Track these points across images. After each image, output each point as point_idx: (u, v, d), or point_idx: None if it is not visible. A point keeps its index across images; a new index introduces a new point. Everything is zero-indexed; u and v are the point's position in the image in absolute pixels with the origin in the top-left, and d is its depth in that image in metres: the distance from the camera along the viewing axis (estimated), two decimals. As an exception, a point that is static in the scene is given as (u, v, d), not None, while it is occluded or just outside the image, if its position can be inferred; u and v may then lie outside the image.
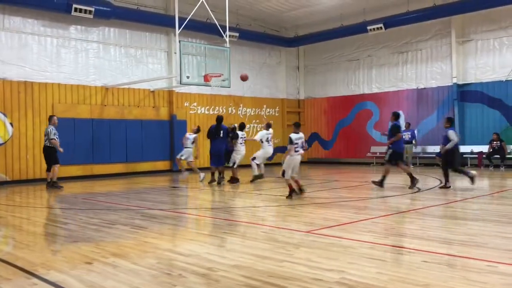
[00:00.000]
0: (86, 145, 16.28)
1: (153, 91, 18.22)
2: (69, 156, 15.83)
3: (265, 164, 14.98)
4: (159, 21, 18.02)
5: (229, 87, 16.12)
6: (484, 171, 16.40)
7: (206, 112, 19.85)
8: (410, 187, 11.06)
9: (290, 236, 6.15)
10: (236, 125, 14.26)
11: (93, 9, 15.49)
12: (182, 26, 14.48)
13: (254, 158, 13.68)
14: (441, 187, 11.08)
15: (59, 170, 13.31)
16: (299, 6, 20.19)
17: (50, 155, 12.95)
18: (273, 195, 10.54)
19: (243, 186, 12.83)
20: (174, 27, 14.44)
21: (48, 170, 13.14)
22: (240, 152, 13.45)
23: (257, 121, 21.64)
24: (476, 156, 17.61)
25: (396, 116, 11.78)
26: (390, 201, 9.56)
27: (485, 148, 17.33)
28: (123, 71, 17.47)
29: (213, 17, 15.56)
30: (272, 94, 22.84)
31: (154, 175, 17.06)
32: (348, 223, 7.00)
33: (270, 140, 13.77)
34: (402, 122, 19.85)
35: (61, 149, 12.99)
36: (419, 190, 10.94)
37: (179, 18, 14.42)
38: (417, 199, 9.80)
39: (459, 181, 12.67)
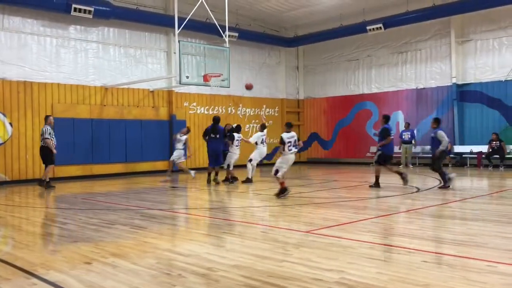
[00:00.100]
0: (86, 145, 16.27)
1: (152, 91, 18.22)
2: (69, 156, 15.86)
3: (264, 164, 14.99)
4: (159, 21, 18.02)
5: (229, 87, 16.13)
6: (483, 171, 16.42)
7: (206, 112, 19.85)
8: (404, 184, 11.22)
9: (289, 236, 6.14)
10: (233, 126, 14.25)
11: (92, 9, 15.49)
12: (182, 26, 14.49)
13: (250, 160, 13.73)
14: (439, 188, 11.09)
15: (53, 171, 13.27)
16: (298, 6, 20.20)
17: (46, 155, 12.93)
18: (272, 195, 10.52)
19: (242, 187, 12.83)
20: (174, 27, 14.45)
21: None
22: (234, 155, 13.49)
23: (257, 121, 21.63)
24: (476, 156, 17.63)
25: (386, 119, 11.86)
26: (390, 201, 9.56)
27: (484, 148, 17.34)
28: (123, 71, 17.46)
29: (213, 17, 15.56)
30: (271, 94, 22.84)
31: (154, 175, 17.05)
32: (347, 223, 7.00)
33: (265, 141, 13.82)
34: (402, 121, 19.94)
35: (54, 150, 12.96)
36: (418, 190, 10.94)
37: (179, 18, 14.42)
38: (416, 199, 9.80)
39: (459, 181, 12.68)
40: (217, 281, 4.23)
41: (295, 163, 23.50)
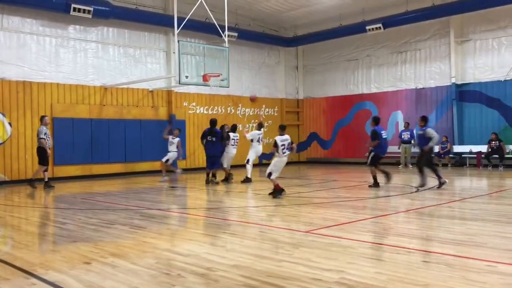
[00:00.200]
0: (85, 145, 16.26)
1: (152, 91, 18.21)
2: (68, 156, 15.86)
3: (264, 165, 15.00)
4: (158, 21, 18.02)
5: (228, 87, 16.13)
6: (482, 171, 16.43)
7: (205, 112, 19.84)
8: (387, 182, 11.53)
9: (289, 236, 6.14)
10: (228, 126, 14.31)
11: (91, 9, 15.48)
12: (181, 26, 14.49)
13: (248, 161, 13.83)
14: (438, 187, 11.10)
15: (52, 171, 13.26)
16: (298, 6, 20.19)
17: (41, 156, 12.91)
18: (271, 195, 10.51)
19: (241, 186, 12.83)
20: (173, 26, 14.45)
21: (45, 170, 13.11)
22: (228, 154, 13.57)
23: (256, 121, 21.62)
24: (475, 156, 17.64)
25: (376, 121, 11.92)
26: (389, 201, 9.57)
27: (483, 148, 17.35)
28: (122, 71, 17.45)
29: (212, 17, 15.55)
30: (271, 94, 22.84)
31: (153, 175, 17.03)
32: (347, 223, 7.00)
33: (261, 140, 13.91)
34: (401, 121, 19.94)
35: (48, 151, 12.95)
36: (417, 190, 10.94)
37: (178, 18, 14.42)
38: (416, 199, 9.80)
39: (458, 181, 12.69)
40: (217, 281, 4.23)
41: (294, 163, 23.70)
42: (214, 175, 13.57)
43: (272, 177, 10.10)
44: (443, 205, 8.67)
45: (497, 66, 17.71)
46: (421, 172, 11.03)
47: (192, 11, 15.10)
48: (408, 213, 8.09)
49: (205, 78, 14.83)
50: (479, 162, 17.42)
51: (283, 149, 10.08)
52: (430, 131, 10.97)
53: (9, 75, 14.85)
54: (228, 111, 20.78)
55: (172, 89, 18.52)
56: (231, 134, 13.68)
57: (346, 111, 22.17)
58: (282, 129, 10.40)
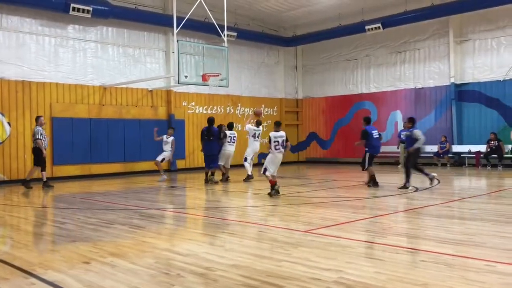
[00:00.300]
0: (84, 145, 16.25)
1: (151, 91, 18.20)
2: (67, 156, 15.85)
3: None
4: (157, 21, 18.01)
5: (227, 87, 16.14)
6: (481, 170, 16.44)
7: (204, 111, 19.83)
8: (371, 186, 11.65)
9: (288, 235, 6.15)
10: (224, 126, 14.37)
11: (91, 9, 15.47)
12: (180, 26, 14.49)
13: (246, 159, 13.92)
14: (431, 183, 11.16)
15: (51, 170, 13.25)
16: (297, 6, 20.19)
17: (37, 156, 12.90)
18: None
19: (240, 186, 12.84)
20: (172, 26, 14.45)
21: (43, 169, 13.11)
22: (226, 152, 13.62)
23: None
24: (474, 155, 17.65)
25: (367, 121, 12.10)
26: (388, 201, 9.58)
27: (482, 148, 17.36)
28: (121, 71, 17.44)
29: (211, 17, 15.55)
30: (270, 93, 22.84)
31: (152, 174, 17.02)
32: (346, 223, 7.01)
33: (258, 137, 13.93)
34: (400, 121, 19.94)
35: (44, 151, 12.95)
36: (416, 189, 10.95)
37: (177, 18, 14.42)
38: (415, 198, 9.81)
39: (457, 181, 12.71)
40: (216, 280, 4.23)
41: (293, 162, 23.67)
42: (213, 174, 13.59)
43: (267, 173, 10.18)
44: (442, 205, 8.68)
45: (496, 66, 17.73)
46: (407, 173, 11.03)
47: (192, 10, 15.10)
48: (407, 212, 8.10)
49: (204, 77, 14.84)
50: (478, 162, 17.43)
51: (276, 145, 10.11)
52: (417, 133, 11.06)
53: (8, 75, 14.84)
54: (227, 111, 20.77)
55: (172, 88, 18.51)
56: (228, 132, 13.78)
57: (345, 111, 22.18)
58: (277, 126, 10.48)
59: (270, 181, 10.17)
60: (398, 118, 20.25)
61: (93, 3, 15.58)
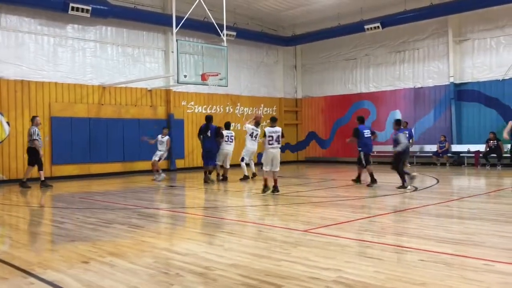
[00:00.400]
0: (83, 144, 16.24)
1: (150, 90, 18.19)
2: (66, 155, 15.84)
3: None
4: (156, 20, 18.00)
5: (226, 86, 16.14)
6: (481, 170, 16.45)
7: (204, 111, 19.81)
8: (354, 180, 12.28)
9: (287, 235, 6.15)
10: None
11: (90, 8, 15.46)
12: (180, 25, 14.47)
13: (242, 159, 13.97)
14: (398, 187, 11.18)
15: (51, 170, 13.23)
16: (296, 5, 20.19)
17: (33, 156, 12.89)
18: (269, 194, 10.53)
19: (240, 185, 12.83)
20: (171, 26, 14.43)
21: (40, 169, 13.10)
22: (223, 151, 13.66)
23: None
24: (473, 155, 17.66)
25: (360, 120, 12.47)
26: (387, 200, 9.58)
27: (482, 147, 17.37)
28: (120, 70, 17.43)
29: (211, 16, 15.55)
30: (269, 93, 22.84)
31: (151, 174, 17.02)
32: (345, 222, 7.01)
33: (256, 137, 13.93)
34: (400, 121, 19.93)
35: (41, 152, 12.95)
36: (416, 189, 10.96)
37: (176, 17, 14.41)
38: (414, 198, 9.82)
39: (457, 180, 12.71)
40: (215, 280, 4.23)
41: (293, 162, 23.65)
42: (209, 173, 13.59)
43: (264, 168, 10.37)
44: (441, 204, 8.68)
45: (495, 65, 17.73)
46: (400, 174, 11.10)
47: (191, 10, 15.09)
48: (406, 212, 8.10)
49: (203, 77, 14.84)
50: (477, 161, 17.44)
51: (269, 140, 10.14)
52: (399, 136, 11.21)
53: (7, 74, 14.83)
54: (227, 111, 20.77)
55: (171, 88, 18.51)
56: (225, 132, 13.81)
57: (344, 110, 22.18)
58: (273, 121, 10.54)
59: (264, 179, 10.38)
60: (398, 117, 20.20)
61: (92, 3, 15.56)
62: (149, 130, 16.99)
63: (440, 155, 18.46)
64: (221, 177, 13.96)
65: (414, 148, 19.22)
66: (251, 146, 13.98)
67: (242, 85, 21.41)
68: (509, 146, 17.09)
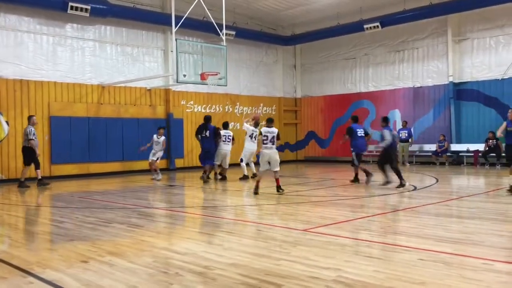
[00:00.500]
0: (82, 144, 16.23)
1: (149, 90, 18.18)
2: (65, 155, 15.83)
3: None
4: (156, 19, 17.99)
5: (226, 86, 16.15)
6: (480, 169, 16.46)
7: (203, 110, 19.81)
8: (352, 181, 12.36)
9: (287, 234, 6.15)
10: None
11: (89, 7, 15.45)
12: (179, 25, 14.47)
13: (241, 160, 14.01)
14: (381, 184, 11.25)
15: (50, 170, 13.21)
16: (296, 5, 20.18)
17: (29, 156, 12.87)
18: (269, 193, 10.54)
19: (239, 185, 12.83)
20: (171, 25, 14.43)
21: (37, 168, 13.10)
22: (221, 151, 13.66)
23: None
24: (472, 154, 17.67)
25: (354, 119, 12.71)
26: (387, 200, 9.59)
27: (481, 147, 17.38)
28: (120, 70, 17.42)
29: (210, 16, 15.54)
30: (269, 92, 22.83)
31: (151, 173, 17.02)
32: (344, 221, 7.01)
33: (255, 138, 13.94)
34: (399, 120, 19.96)
35: (38, 152, 12.95)
36: (415, 188, 10.96)
37: (176, 16, 14.40)
38: (413, 197, 9.82)
39: (456, 179, 12.70)
40: (214, 279, 4.23)
41: (292, 161, 23.64)
42: (206, 172, 13.58)
43: (260, 169, 10.42)
44: (440, 204, 8.69)
45: (494, 64, 17.74)
46: (396, 172, 11.14)
47: (190, 9, 15.08)
48: (405, 211, 8.10)
49: (203, 76, 14.84)
50: (477, 161, 17.46)
51: (264, 140, 10.15)
52: (385, 133, 11.28)
53: (6, 74, 14.82)
54: (226, 110, 20.77)
55: (170, 87, 18.50)
56: (222, 132, 13.81)
57: (344, 110, 22.18)
58: (269, 122, 10.54)
59: (255, 180, 10.43)
60: (397, 117, 20.25)
61: (91, 2, 15.55)
62: (149, 130, 16.98)
63: (439, 154, 18.47)
64: (219, 177, 13.96)
65: (414, 147, 19.26)
66: (250, 146, 13.97)
67: (241, 84, 21.41)
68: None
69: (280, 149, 10.75)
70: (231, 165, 14.56)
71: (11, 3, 14.75)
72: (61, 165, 15.80)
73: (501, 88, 17.56)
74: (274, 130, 10.34)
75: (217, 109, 20.40)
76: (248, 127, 14.00)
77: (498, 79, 17.58)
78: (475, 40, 18.22)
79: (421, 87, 19.68)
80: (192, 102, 19.62)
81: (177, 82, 14.64)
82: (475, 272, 4.29)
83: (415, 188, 10.95)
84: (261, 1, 19.73)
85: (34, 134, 12.87)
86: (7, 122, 14.76)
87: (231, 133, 14.19)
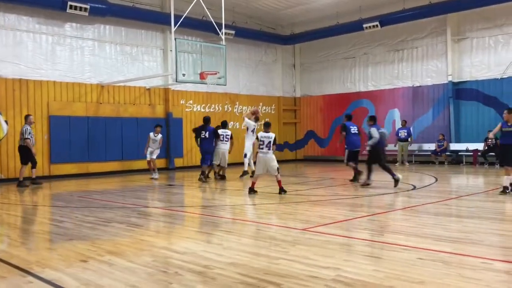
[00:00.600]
0: (82, 143, 16.22)
1: (148, 89, 18.17)
2: (65, 154, 15.82)
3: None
4: (155, 19, 17.97)
5: (225, 85, 16.14)
6: (479, 168, 16.48)
7: (202, 110, 19.81)
8: (351, 180, 12.37)
9: (286, 233, 6.15)
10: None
11: (88, 7, 15.43)
12: (178, 24, 14.46)
13: (245, 155, 14.01)
14: (362, 185, 11.25)
15: (49, 169, 13.19)
16: (295, 4, 20.18)
17: (26, 155, 12.86)
18: (268, 192, 10.54)
19: (238, 184, 12.83)
20: (170, 24, 14.41)
21: (33, 167, 13.10)
22: (219, 150, 13.64)
23: (254, 116, 21.63)
24: (471, 154, 17.68)
25: (348, 118, 12.93)
26: (386, 199, 9.59)
27: (480, 146, 17.39)
28: (119, 69, 17.41)
29: (209, 15, 15.53)
30: (268, 92, 22.83)
31: (150, 173, 17.01)
32: (344, 221, 7.02)
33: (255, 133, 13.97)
34: (398, 119, 19.97)
35: (34, 151, 12.95)
36: (414, 187, 10.97)
37: (175, 16, 14.39)
38: (412, 196, 9.83)
39: (455, 179, 12.69)
40: (214, 278, 4.23)
41: (291, 161, 23.62)
42: (203, 172, 13.58)
43: (256, 172, 10.43)
44: (439, 203, 8.70)
45: (493, 64, 17.75)
46: (385, 170, 11.15)
47: (189, 9, 15.07)
48: (404, 210, 8.11)
49: (202, 76, 14.83)
50: (476, 160, 17.47)
51: (260, 145, 10.12)
52: (372, 131, 11.33)
53: (5, 73, 14.80)
54: (225, 109, 20.76)
55: (169, 87, 18.50)
56: (220, 131, 13.78)
57: (343, 109, 22.14)
58: (266, 127, 10.48)
59: (252, 183, 10.38)
60: (396, 116, 20.27)
61: (90, 1, 15.53)
62: (148, 129, 16.97)
63: (439, 153, 18.48)
64: (218, 176, 13.95)
65: (413, 146, 19.27)
66: (250, 142, 13.96)
67: (240, 83, 21.40)
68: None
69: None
70: (230, 164, 14.54)
71: (10, 2, 14.73)
72: (61, 165, 15.79)
73: (500, 88, 17.57)
74: (271, 135, 10.18)
75: (217, 108, 20.40)
76: (249, 122, 14.01)
77: (497, 79, 17.59)
78: (475, 40, 18.23)
79: (420, 86, 19.69)
80: (191, 102, 19.62)
81: (176, 81, 14.63)
82: (474, 271, 4.29)
83: (414, 188, 10.96)
84: (260, 0, 19.72)
85: (30, 133, 12.86)
86: (6, 122, 14.70)
87: (229, 132, 14.16)
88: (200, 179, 13.34)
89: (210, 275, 4.34)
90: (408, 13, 18.44)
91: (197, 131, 13.81)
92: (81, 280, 4.27)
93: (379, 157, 11.29)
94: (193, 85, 18.42)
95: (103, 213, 8.17)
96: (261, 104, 22.27)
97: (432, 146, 18.87)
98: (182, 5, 15.72)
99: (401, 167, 17.65)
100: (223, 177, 13.87)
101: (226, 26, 16.42)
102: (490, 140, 16.87)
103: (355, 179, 12.35)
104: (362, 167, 12.04)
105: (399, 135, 18.81)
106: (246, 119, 14.14)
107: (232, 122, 20.03)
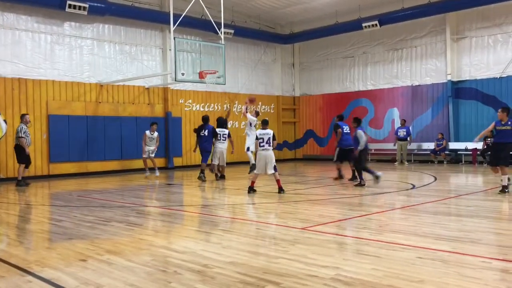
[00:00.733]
0: (81, 143, 16.21)
1: (148, 88, 18.16)
2: (64, 154, 15.81)
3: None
4: (154, 18, 17.96)
5: (224, 84, 16.12)
6: (478, 167, 16.49)
7: (201, 109, 19.81)
8: (350, 180, 12.39)
9: (285, 232, 6.15)
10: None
11: (87, 6, 15.42)
12: (177, 23, 14.44)
13: (248, 149, 14.01)
14: (356, 185, 11.27)
15: (47, 168, 13.15)
16: (294, 3, 20.17)
17: (20, 154, 12.85)
18: (267, 192, 10.55)
19: (238, 184, 12.83)
20: (169, 23, 14.39)
21: (26, 167, 13.11)
22: (217, 149, 13.66)
23: (254, 110, 21.62)
24: (471, 153, 17.70)
25: (339, 118, 13.20)
26: (385, 198, 9.60)
27: (479, 145, 17.40)
28: (118, 68, 17.40)
29: (208, 14, 15.52)
30: (267, 91, 22.83)
31: (150, 171, 17.00)
32: (343, 220, 7.02)
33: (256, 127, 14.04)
34: (397, 118, 19.98)
35: (27, 150, 12.91)
36: (413, 186, 10.97)
37: (174, 15, 14.37)
38: (411, 195, 9.84)
39: (455, 178, 12.69)
40: (213, 277, 4.23)
41: (291, 160, 23.61)
42: (203, 172, 13.57)
43: (255, 171, 10.46)
44: (438, 202, 8.70)
45: (492, 63, 17.76)
46: (366, 171, 11.24)
47: (188, 8, 15.06)
48: (403, 209, 8.11)
49: (201, 75, 14.82)
50: (475, 159, 17.48)
51: (260, 142, 10.15)
52: (359, 133, 11.32)
53: (4, 72, 14.79)
54: (225, 108, 20.73)
55: (168, 86, 18.49)
56: (218, 130, 13.75)
57: (342, 109, 22.13)
58: (264, 124, 10.51)
59: (251, 182, 10.38)
60: (395, 115, 20.29)
61: (89, 0, 15.51)
62: (147, 128, 16.97)
63: (438, 152, 18.49)
64: (218, 176, 13.91)
65: (412, 146, 19.28)
66: (253, 136, 13.95)
67: (239, 83, 21.40)
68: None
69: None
70: (228, 163, 14.53)
71: (9, 2, 14.71)
72: (60, 164, 15.78)
73: (499, 87, 17.58)
74: (269, 131, 10.26)
75: (216, 107, 20.39)
76: (251, 117, 14.08)
77: (497, 78, 17.61)
78: (474, 39, 18.24)
79: (419, 85, 19.70)
80: (190, 101, 19.61)
81: (175, 80, 14.62)
82: (473, 270, 4.30)
83: (413, 187, 10.96)
84: (259, -1, 19.72)
85: (25, 133, 12.83)
86: (5, 121, 14.67)
87: (226, 131, 14.09)
88: (199, 178, 13.35)
89: (209, 274, 4.34)
90: (407, 12, 18.44)
91: (197, 130, 13.84)
92: (80, 279, 4.27)
93: (360, 159, 11.30)
94: (192, 84, 18.42)
95: (102, 212, 8.17)
96: (260, 103, 22.25)
97: (431, 145, 18.88)
98: (181, 4, 15.71)
99: (400, 166, 17.66)
100: (222, 176, 13.86)
101: (225, 25, 16.42)
102: (489, 139, 16.87)
103: (353, 178, 12.35)
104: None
105: (398, 134, 18.81)
106: (248, 115, 14.20)
107: (231, 121, 20.01)
